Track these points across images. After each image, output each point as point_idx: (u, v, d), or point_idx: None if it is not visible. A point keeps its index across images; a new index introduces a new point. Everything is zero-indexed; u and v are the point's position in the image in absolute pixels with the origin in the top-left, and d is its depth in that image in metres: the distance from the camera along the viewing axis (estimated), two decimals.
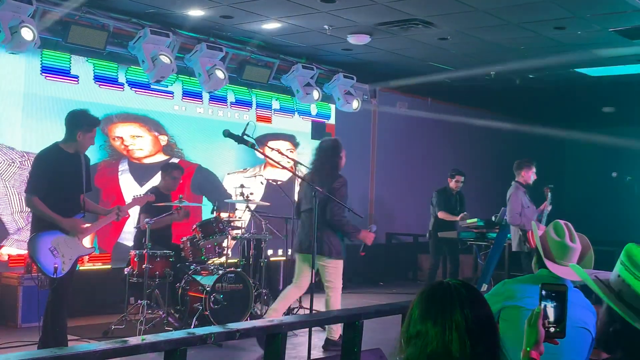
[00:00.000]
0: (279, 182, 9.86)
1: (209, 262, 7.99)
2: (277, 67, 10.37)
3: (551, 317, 2.33)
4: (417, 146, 13.67)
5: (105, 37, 8.26)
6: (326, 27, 8.91)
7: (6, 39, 7.38)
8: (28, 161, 8.27)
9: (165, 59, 8.60)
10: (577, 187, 15.85)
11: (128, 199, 8.87)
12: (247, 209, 8.62)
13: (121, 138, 9.33)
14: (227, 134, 6.06)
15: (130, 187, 8.96)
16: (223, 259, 8.21)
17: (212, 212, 8.31)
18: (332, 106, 11.79)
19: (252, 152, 10.55)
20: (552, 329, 2.32)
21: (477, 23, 8.68)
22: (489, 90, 13.15)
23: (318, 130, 12.01)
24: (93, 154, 8.37)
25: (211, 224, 7.92)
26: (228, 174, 9.00)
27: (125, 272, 7.80)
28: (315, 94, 10.56)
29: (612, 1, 7.74)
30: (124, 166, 9.29)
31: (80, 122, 6.14)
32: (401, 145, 13.35)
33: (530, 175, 8.83)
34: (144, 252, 7.46)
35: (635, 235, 13.83)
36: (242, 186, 8.76)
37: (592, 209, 15.47)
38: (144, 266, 7.43)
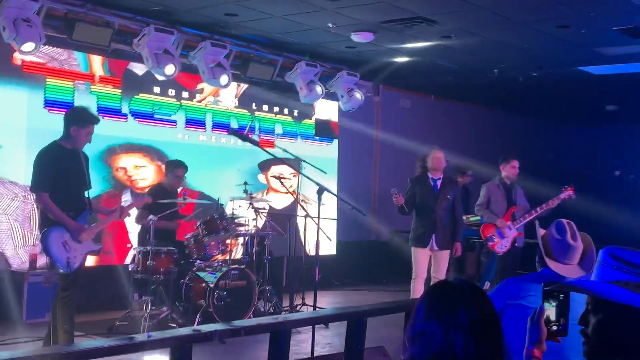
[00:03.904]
0: (282, 176, 9.86)
1: (213, 259, 8.03)
2: (280, 65, 10.39)
3: (553, 316, 2.35)
4: (420, 143, 13.66)
5: (110, 34, 8.26)
6: (330, 24, 8.92)
7: (11, 35, 7.39)
8: (31, 195, 8.31)
9: (170, 70, 8.62)
10: (580, 185, 15.83)
11: (131, 229, 8.90)
12: (251, 206, 8.65)
13: (124, 169, 9.37)
14: (232, 132, 6.12)
15: (133, 218, 8.69)
16: (227, 256, 8.25)
17: (215, 208, 8.34)
18: (336, 103, 11.81)
19: (255, 178, 10.60)
20: (554, 328, 2.34)
21: (480, 21, 8.68)
22: (492, 88, 13.16)
23: (322, 128, 12.05)
24: (96, 185, 8.40)
25: (215, 221, 7.94)
26: (231, 199, 9.09)
27: (130, 269, 7.85)
28: (319, 89, 10.55)
29: (616, 0, 7.74)
30: (127, 196, 9.25)
31: (75, 117, 6.21)
32: (404, 142, 13.36)
33: (508, 170, 8.83)
34: (148, 248, 7.50)
35: (638, 234, 13.84)
36: (245, 183, 8.78)
37: (595, 208, 15.46)
38: (148, 263, 7.47)
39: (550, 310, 2.35)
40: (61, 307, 5.96)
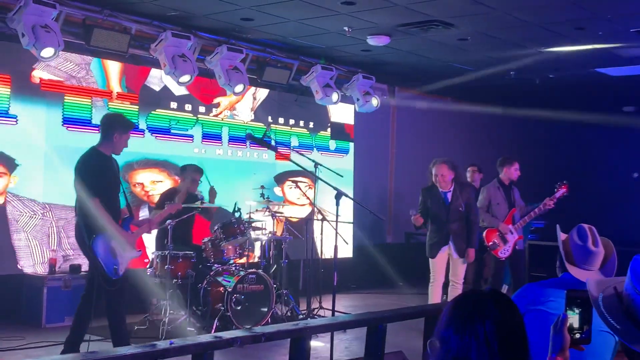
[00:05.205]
0: (298, 182, 9.89)
1: (234, 262, 8.05)
2: (296, 68, 10.41)
3: (576, 323, 2.35)
4: (436, 146, 13.66)
5: (128, 40, 8.30)
6: (346, 28, 8.93)
7: (30, 41, 7.44)
8: (49, 212, 8.42)
9: (185, 79, 8.66)
10: (598, 188, 15.77)
11: (148, 244, 8.94)
12: (268, 210, 8.68)
13: (142, 184, 9.40)
14: (250, 137, 6.15)
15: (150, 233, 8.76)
16: (244, 260, 8.27)
17: (233, 212, 8.36)
18: (351, 106, 11.82)
19: (271, 191, 10.58)
20: (577, 335, 2.34)
21: (497, 24, 8.67)
22: (508, 90, 13.12)
23: (338, 130, 12.06)
24: None
25: (232, 225, 7.97)
26: (247, 213, 9.14)
27: (148, 273, 7.88)
28: (335, 96, 10.58)
29: (632, 2, 7.71)
30: (144, 212, 9.27)
31: (117, 124, 6.30)
32: (420, 145, 13.35)
33: (512, 172, 8.77)
34: (166, 252, 7.53)
35: None
36: (262, 187, 8.81)
37: (614, 210, 15.38)
38: (166, 267, 7.51)
39: (574, 318, 2.35)
40: (116, 311, 6.06)
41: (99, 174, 6.03)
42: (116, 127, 6.23)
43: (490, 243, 8.58)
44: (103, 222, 5.92)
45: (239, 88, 9.33)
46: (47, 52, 7.50)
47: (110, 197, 6.08)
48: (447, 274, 8.17)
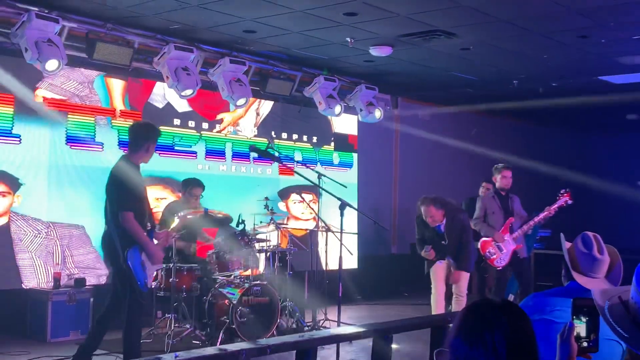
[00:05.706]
0: (304, 194, 9.90)
1: (240, 274, 8.04)
2: (299, 80, 10.42)
3: (583, 332, 2.34)
4: (441, 155, 13.66)
5: (131, 53, 8.32)
6: (348, 39, 8.94)
7: (33, 56, 7.46)
8: (54, 231, 8.40)
9: (187, 92, 8.71)
10: (602, 196, 15.75)
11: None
12: (272, 221, 8.67)
13: None
14: (253, 149, 6.14)
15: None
16: (249, 272, 8.26)
17: (237, 225, 8.35)
18: (355, 117, 11.82)
19: (275, 206, 10.53)
20: (585, 344, 2.33)
21: (499, 33, 8.67)
22: (511, 99, 13.11)
23: (341, 141, 12.06)
24: None
25: (237, 237, 7.96)
26: (252, 227, 9.13)
27: (153, 286, 7.87)
28: (338, 108, 10.60)
29: (635, 10, 7.71)
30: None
31: (151, 134, 6.25)
32: (424, 155, 13.35)
33: (500, 181, 8.65)
34: (171, 266, 7.52)
35: None
36: (266, 199, 8.80)
37: (618, 217, 15.36)
38: (170, 280, 7.49)
39: (581, 327, 2.34)
40: (136, 324, 5.99)
41: (133, 186, 5.99)
42: (150, 137, 6.20)
43: (486, 252, 8.53)
44: (135, 234, 5.89)
45: (241, 100, 9.35)
46: (51, 64, 7.51)
47: (142, 209, 6.05)
48: (450, 286, 8.11)
